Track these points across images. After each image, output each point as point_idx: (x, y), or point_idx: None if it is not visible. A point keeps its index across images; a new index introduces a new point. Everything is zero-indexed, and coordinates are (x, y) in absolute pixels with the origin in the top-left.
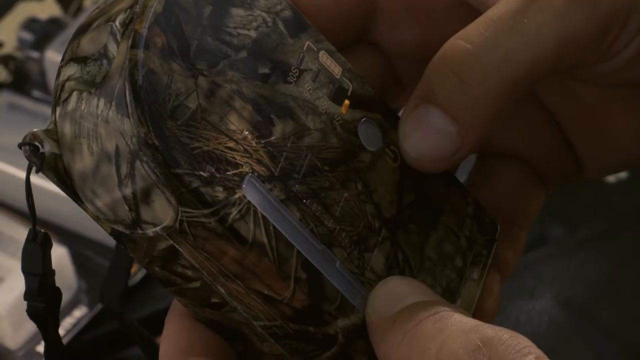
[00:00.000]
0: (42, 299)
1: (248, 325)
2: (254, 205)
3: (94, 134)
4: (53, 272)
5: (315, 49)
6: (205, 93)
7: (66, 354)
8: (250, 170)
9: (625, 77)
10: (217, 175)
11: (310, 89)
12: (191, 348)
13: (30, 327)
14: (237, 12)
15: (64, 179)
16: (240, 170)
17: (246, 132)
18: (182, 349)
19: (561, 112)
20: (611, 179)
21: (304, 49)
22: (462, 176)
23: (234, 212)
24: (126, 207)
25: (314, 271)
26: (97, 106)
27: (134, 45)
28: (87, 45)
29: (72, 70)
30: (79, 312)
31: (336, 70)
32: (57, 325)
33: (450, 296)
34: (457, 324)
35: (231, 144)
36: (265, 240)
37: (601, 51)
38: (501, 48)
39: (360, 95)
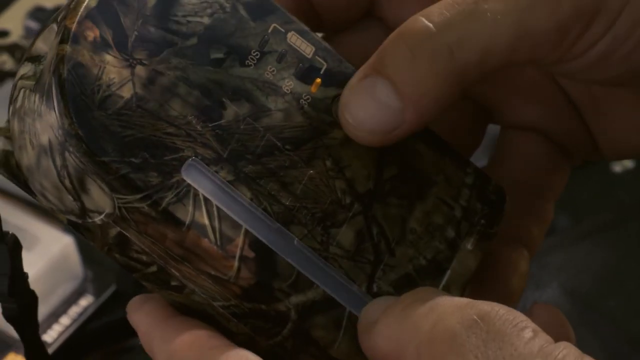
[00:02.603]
0: (14, 301)
1: (210, 306)
2: (194, 188)
3: (33, 128)
4: (25, 275)
5: (283, 30)
6: (143, 82)
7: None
8: (193, 154)
9: (597, 76)
10: (152, 160)
11: (273, 70)
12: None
13: None
14: (188, 1)
15: (17, 175)
16: (180, 154)
17: (190, 117)
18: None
19: (574, 95)
20: (617, 169)
21: (269, 31)
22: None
23: (170, 196)
24: (70, 198)
25: (265, 249)
26: (34, 102)
27: (62, 41)
28: (41, 44)
29: (26, 69)
30: (85, 301)
31: (307, 49)
32: (37, 328)
33: (437, 267)
34: (449, 301)
35: (171, 130)
36: (206, 221)
37: (562, 49)
38: (458, 30)
39: (336, 72)
